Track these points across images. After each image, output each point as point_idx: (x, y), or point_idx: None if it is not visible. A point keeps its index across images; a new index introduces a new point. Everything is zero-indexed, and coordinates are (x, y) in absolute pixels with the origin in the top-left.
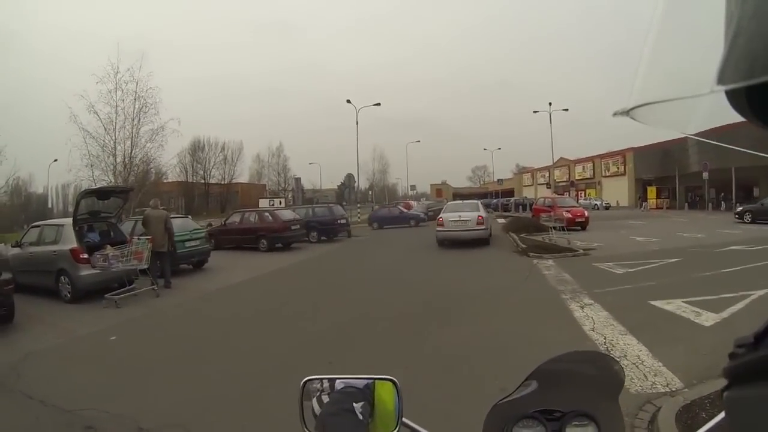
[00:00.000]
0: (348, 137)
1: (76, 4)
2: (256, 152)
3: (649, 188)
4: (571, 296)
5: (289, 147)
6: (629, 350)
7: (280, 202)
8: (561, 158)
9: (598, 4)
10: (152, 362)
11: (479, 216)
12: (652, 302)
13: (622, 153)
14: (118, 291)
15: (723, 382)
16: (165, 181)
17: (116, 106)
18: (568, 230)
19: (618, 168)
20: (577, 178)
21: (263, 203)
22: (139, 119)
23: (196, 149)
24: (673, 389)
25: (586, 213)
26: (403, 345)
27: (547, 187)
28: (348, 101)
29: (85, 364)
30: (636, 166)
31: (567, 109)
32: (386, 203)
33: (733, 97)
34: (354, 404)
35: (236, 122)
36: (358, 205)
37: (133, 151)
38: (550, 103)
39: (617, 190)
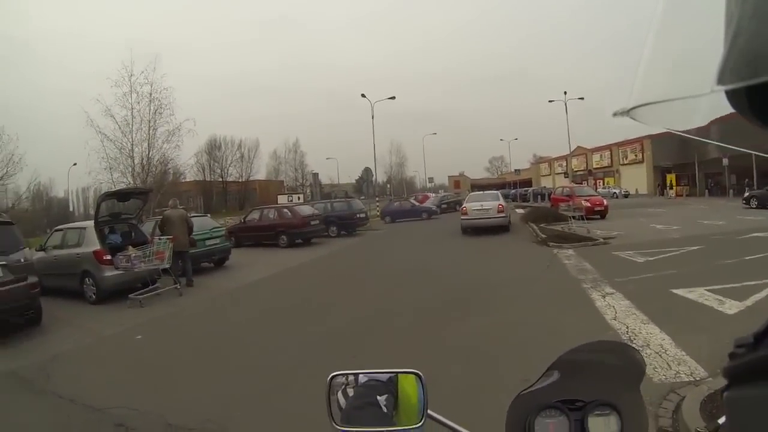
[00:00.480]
0: (364, 131)
1: (86, 11)
2: (273, 149)
3: (668, 175)
4: (592, 285)
5: (306, 143)
6: (652, 339)
7: (299, 198)
8: (578, 147)
9: None
10: (178, 360)
11: (500, 205)
12: (674, 291)
13: (639, 140)
14: (142, 291)
15: None
16: (183, 180)
17: (132, 108)
18: (587, 219)
19: (636, 155)
20: (594, 166)
21: (281, 199)
22: (155, 121)
23: (213, 148)
24: (697, 378)
25: (605, 201)
26: (425, 337)
27: (565, 177)
28: (363, 95)
29: (112, 363)
30: (654, 154)
31: (582, 98)
32: (392, 197)
33: (733, 97)
34: (378, 397)
35: (252, 120)
36: (377, 199)
37: (151, 153)
38: (565, 92)
39: (636, 178)
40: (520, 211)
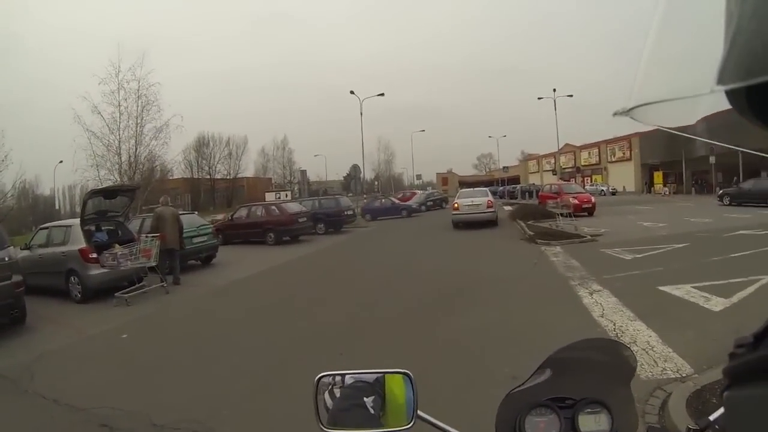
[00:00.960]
0: (353, 128)
1: (74, 5)
2: (261, 146)
3: (655, 173)
4: (579, 282)
5: (294, 140)
6: (639, 336)
7: (287, 195)
8: (566, 144)
9: None
10: (164, 359)
11: (489, 201)
12: (661, 288)
13: (627, 138)
14: (128, 289)
15: None
16: (171, 178)
17: (119, 105)
18: (575, 216)
19: (624, 153)
20: (582, 164)
21: (269, 197)
22: (142, 117)
23: (201, 145)
24: (684, 375)
25: (592, 199)
26: (413, 334)
27: (553, 174)
28: (351, 92)
29: (97, 362)
30: (642, 151)
31: (571, 95)
32: (379, 194)
33: (733, 97)
34: (365, 398)
35: (240, 116)
36: (365, 196)
37: (138, 150)
38: (554, 90)
39: (623, 176)
40: (508, 208)
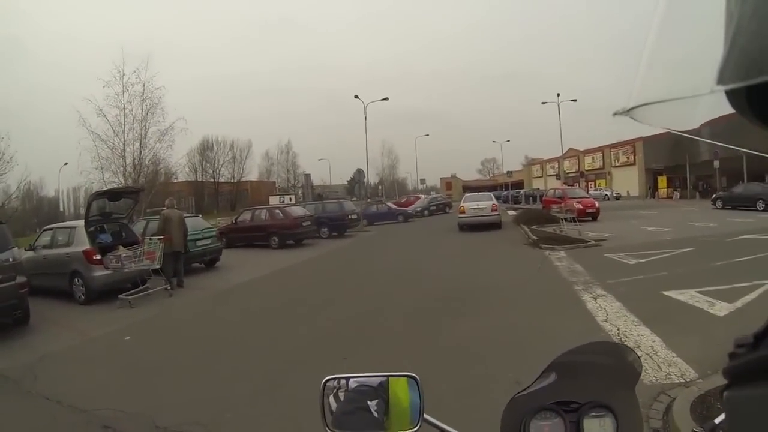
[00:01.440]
0: (357, 133)
1: (80, 9)
2: (265, 150)
3: (659, 178)
4: (583, 287)
5: (298, 144)
6: (643, 341)
7: (290, 199)
8: (570, 149)
9: None
10: (167, 361)
11: (493, 204)
12: (665, 292)
13: (631, 142)
14: (132, 291)
15: None
16: (175, 181)
17: (124, 108)
18: (578, 221)
19: (628, 158)
20: (586, 168)
21: (273, 200)
22: (147, 120)
23: (205, 148)
24: (688, 380)
25: (596, 204)
26: (418, 339)
27: (557, 179)
28: (356, 96)
29: (100, 364)
30: (646, 156)
31: (575, 100)
32: (379, 198)
33: (733, 97)
34: (369, 402)
35: (244, 120)
36: (368, 201)
37: (142, 152)
38: (558, 94)
39: (627, 180)
40: (512, 212)
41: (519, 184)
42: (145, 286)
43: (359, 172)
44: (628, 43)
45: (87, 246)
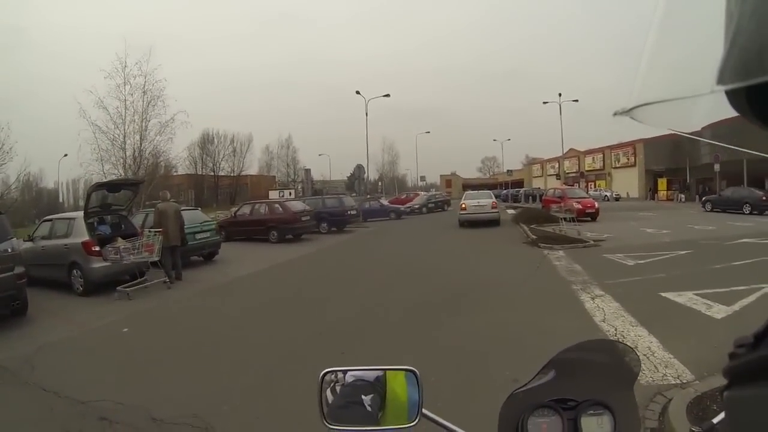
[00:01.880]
0: (357, 128)
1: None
2: (266, 144)
3: (659, 180)
4: (581, 287)
5: (299, 139)
6: (640, 342)
7: (290, 194)
8: (571, 149)
9: None
10: (164, 353)
11: (493, 202)
12: (663, 294)
13: (632, 144)
14: (130, 283)
15: None
16: (175, 174)
17: (125, 100)
18: (578, 221)
19: (628, 159)
20: (586, 169)
21: (273, 195)
22: (148, 113)
23: (206, 142)
24: (684, 381)
25: (596, 204)
26: (415, 335)
27: (557, 178)
28: (357, 92)
29: (97, 356)
30: (646, 157)
31: (577, 100)
32: (376, 195)
33: (733, 97)
34: (363, 396)
35: (245, 114)
36: (368, 196)
37: (143, 145)
38: (559, 94)
39: (627, 182)
40: (511, 211)
41: (519, 183)
42: (143, 278)
43: (359, 167)
44: (628, 44)
45: (86, 237)
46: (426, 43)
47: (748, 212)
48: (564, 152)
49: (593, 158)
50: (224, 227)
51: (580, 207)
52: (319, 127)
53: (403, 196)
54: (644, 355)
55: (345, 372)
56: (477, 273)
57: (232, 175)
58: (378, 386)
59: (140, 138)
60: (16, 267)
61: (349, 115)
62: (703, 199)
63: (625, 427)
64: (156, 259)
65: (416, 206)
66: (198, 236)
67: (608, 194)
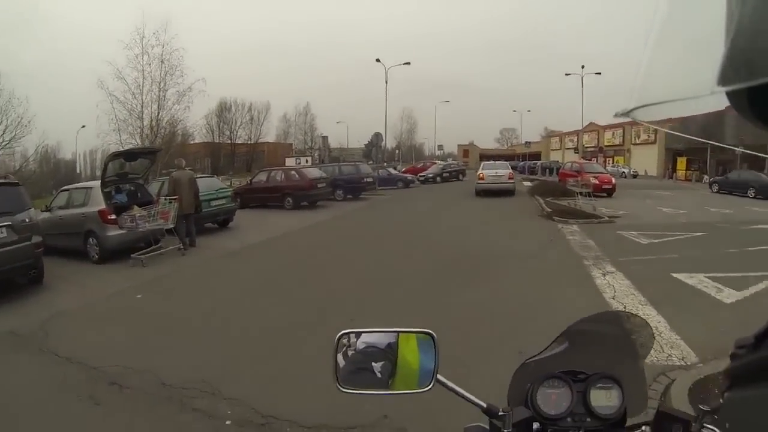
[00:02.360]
0: (376, 96)
1: None
2: (283, 112)
3: (679, 159)
4: (593, 263)
5: (316, 106)
6: (648, 321)
7: (307, 161)
8: (591, 123)
9: None
10: (176, 320)
11: (510, 173)
12: (675, 275)
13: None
14: (145, 250)
15: None
16: (192, 142)
17: (143, 70)
18: (594, 196)
19: (648, 136)
20: (605, 144)
21: (290, 162)
22: (166, 82)
23: (223, 110)
24: (688, 363)
25: (613, 180)
26: (425, 305)
27: (575, 152)
28: (377, 60)
29: (111, 322)
30: (667, 135)
31: (600, 73)
32: (386, 164)
33: (733, 97)
34: (373, 363)
35: (263, 83)
36: (385, 164)
37: (160, 114)
38: (582, 66)
39: (646, 159)
40: (527, 183)
41: (537, 156)
42: (158, 245)
43: (377, 135)
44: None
45: (102, 206)
46: (448, 9)
47: (752, 196)
48: (584, 126)
49: (613, 133)
50: (240, 194)
51: (597, 182)
52: (337, 95)
53: (419, 165)
54: None
55: (359, 335)
56: (490, 244)
57: (249, 142)
58: (389, 353)
59: (158, 107)
60: (33, 237)
61: (369, 83)
62: (710, 180)
63: (632, 401)
64: (171, 226)
65: (430, 175)
66: (213, 203)
67: (626, 171)
